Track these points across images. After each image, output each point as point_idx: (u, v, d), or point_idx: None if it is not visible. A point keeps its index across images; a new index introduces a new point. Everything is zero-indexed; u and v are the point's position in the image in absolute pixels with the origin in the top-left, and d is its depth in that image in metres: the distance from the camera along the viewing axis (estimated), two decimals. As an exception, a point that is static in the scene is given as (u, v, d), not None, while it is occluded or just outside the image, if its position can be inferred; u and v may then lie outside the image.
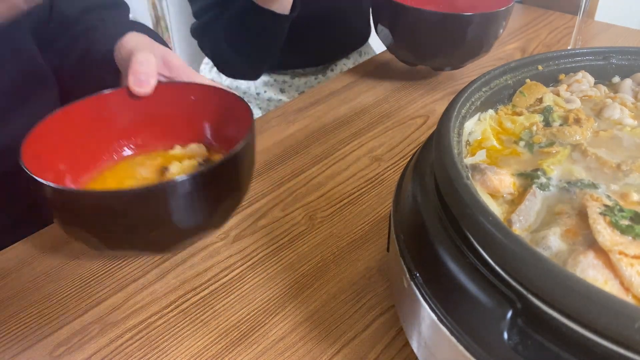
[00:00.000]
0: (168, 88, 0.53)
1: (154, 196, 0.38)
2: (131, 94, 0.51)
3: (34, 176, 0.38)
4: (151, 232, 0.41)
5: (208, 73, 1.12)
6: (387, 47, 0.80)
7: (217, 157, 0.52)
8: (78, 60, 0.65)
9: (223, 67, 1.00)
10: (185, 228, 0.42)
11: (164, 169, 0.49)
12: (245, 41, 0.88)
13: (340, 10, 1.02)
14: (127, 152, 0.53)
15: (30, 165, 0.40)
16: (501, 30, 0.73)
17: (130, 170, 0.51)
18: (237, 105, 0.49)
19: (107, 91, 0.51)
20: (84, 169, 0.50)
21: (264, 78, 1.06)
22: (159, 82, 0.52)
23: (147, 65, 0.52)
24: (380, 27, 0.77)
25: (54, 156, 0.46)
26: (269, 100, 1.07)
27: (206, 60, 1.14)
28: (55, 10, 0.67)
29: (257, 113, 1.06)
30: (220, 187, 0.42)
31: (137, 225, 0.40)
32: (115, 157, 0.52)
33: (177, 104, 0.52)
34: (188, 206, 0.40)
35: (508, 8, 0.71)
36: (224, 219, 0.47)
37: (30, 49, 0.62)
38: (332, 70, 1.08)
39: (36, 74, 0.64)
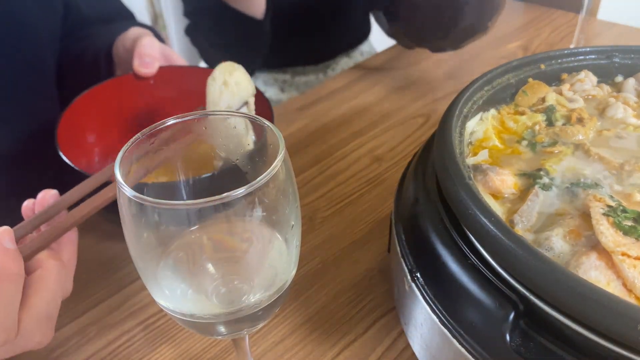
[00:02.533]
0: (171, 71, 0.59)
1: None
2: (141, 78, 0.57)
3: (68, 161, 0.44)
4: None
5: None
6: (385, 32, 0.81)
7: None
8: (76, 57, 0.66)
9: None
10: None
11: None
12: (226, 46, 0.92)
13: (337, 5, 1.02)
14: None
15: (64, 147, 0.46)
16: (496, 11, 0.73)
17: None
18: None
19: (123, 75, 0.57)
20: (113, 150, 0.55)
21: (263, 77, 1.05)
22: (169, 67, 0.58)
23: (151, 49, 0.56)
24: (376, 12, 0.79)
25: (85, 138, 0.51)
26: (269, 99, 1.07)
27: None
28: (71, 16, 0.68)
29: (256, 112, 1.06)
30: None
31: None
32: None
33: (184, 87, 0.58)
34: None
35: None
36: None
37: (36, 44, 0.63)
38: (332, 69, 1.07)
39: (37, 67, 0.64)
